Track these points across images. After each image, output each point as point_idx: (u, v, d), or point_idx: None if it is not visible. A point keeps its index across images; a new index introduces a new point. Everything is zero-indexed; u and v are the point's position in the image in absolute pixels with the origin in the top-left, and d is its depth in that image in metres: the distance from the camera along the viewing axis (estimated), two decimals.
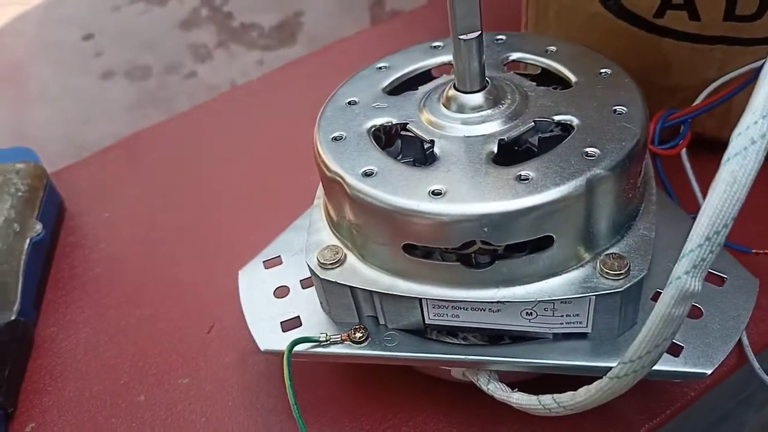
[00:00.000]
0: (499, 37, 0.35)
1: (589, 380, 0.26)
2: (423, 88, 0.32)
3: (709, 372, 0.27)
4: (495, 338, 0.30)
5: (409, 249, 0.27)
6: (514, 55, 0.33)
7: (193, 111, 0.55)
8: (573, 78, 0.31)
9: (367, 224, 0.28)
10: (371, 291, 0.29)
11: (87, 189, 0.48)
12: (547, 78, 0.32)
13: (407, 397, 0.34)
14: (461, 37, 0.27)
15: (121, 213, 0.46)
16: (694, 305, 0.29)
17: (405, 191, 0.26)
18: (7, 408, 0.35)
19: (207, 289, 0.40)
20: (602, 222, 0.27)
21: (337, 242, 0.30)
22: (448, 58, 0.34)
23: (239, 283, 0.35)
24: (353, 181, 0.27)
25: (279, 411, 0.35)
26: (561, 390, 0.27)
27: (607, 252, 0.27)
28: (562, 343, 0.29)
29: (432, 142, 0.29)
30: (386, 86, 0.33)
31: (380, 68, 0.34)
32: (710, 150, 0.32)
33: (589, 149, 0.26)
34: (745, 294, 0.29)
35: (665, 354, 0.27)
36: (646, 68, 0.39)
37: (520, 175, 0.26)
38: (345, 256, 0.30)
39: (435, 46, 0.35)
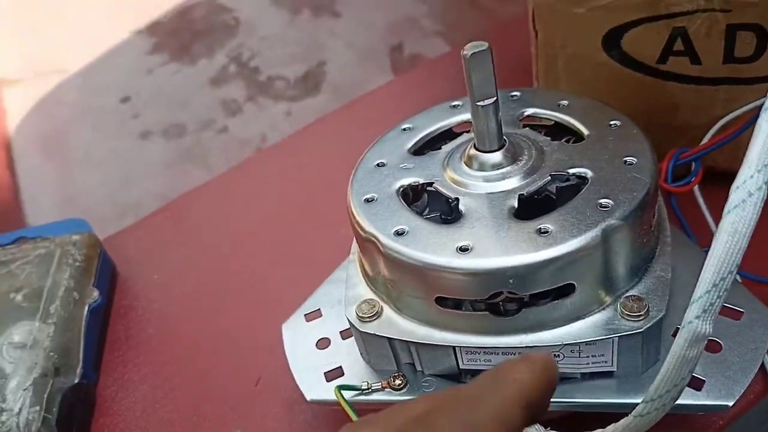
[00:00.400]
0: (514, 93, 0.38)
1: (617, 417, 0.28)
2: (446, 147, 0.35)
3: (730, 404, 0.28)
4: None
5: (440, 301, 0.30)
6: (529, 111, 0.36)
7: (230, 171, 0.59)
8: (585, 131, 0.33)
9: (401, 280, 0.30)
10: (408, 341, 0.31)
11: (136, 253, 0.51)
12: (560, 130, 0.35)
13: None
14: (479, 103, 0.30)
15: (169, 274, 0.49)
16: (713, 339, 0.31)
17: (435, 248, 0.29)
18: None
19: (253, 343, 0.42)
20: (619, 267, 0.29)
21: (373, 296, 0.33)
22: (467, 116, 0.36)
23: (283, 336, 0.37)
24: (387, 240, 0.30)
25: None
26: (589, 427, 0.28)
27: (627, 294, 0.29)
28: (590, 382, 0.30)
29: (456, 199, 0.31)
30: (411, 147, 0.36)
31: (404, 129, 0.37)
32: (722, 181, 0.33)
33: (603, 200, 0.29)
34: (762, 327, 0.30)
35: (688, 388, 0.29)
36: (654, 110, 0.41)
37: (540, 228, 0.28)
38: (381, 308, 0.32)
39: (454, 106, 0.38)
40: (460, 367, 0.32)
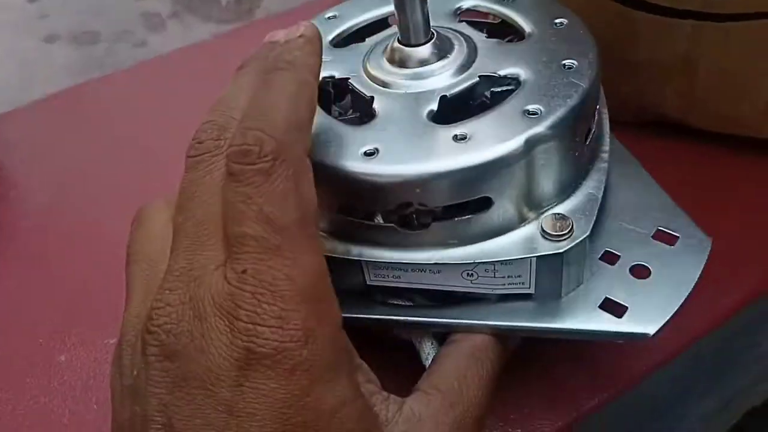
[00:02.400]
0: None
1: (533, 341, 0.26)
2: (370, 40, 0.31)
3: (651, 333, 0.26)
4: (440, 299, 0.30)
5: (345, 211, 0.27)
6: (467, 3, 0.32)
7: (138, 66, 0.54)
8: (527, 29, 0.30)
9: None
10: None
11: (19, 139, 0.47)
12: (501, 29, 0.31)
13: None
14: None
15: (58, 165, 0.45)
16: (643, 265, 0.28)
17: (338, 152, 0.25)
18: None
19: None
20: (544, 183, 0.26)
21: None
22: None
23: None
24: None
25: None
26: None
27: (551, 212, 0.27)
28: (506, 304, 0.28)
29: (372, 98, 0.27)
30: (333, 38, 0.32)
31: (329, 18, 0.33)
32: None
33: (531, 107, 0.25)
34: (696, 254, 0.28)
35: (608, 315, 0.27)
36: (614, 42, 0.37)
37: (457, 134, 0.25)
38: None
39: None
40: (368, 284, 0.29)
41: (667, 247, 0.29)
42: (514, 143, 0.24)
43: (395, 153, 0.25)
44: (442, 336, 0.29)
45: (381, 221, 0.27)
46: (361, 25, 0.32)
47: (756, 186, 0.37)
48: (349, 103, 0.30)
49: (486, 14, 0.32)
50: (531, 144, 0.24)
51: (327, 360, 0.20)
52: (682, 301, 0.27)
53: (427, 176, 0.24)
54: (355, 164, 0.25)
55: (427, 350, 0.29)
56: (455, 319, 0.28)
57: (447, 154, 0.24)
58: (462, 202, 0.25)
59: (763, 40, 0.34)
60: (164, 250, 0.23)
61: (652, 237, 0.29)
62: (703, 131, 0.39)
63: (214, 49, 0.57)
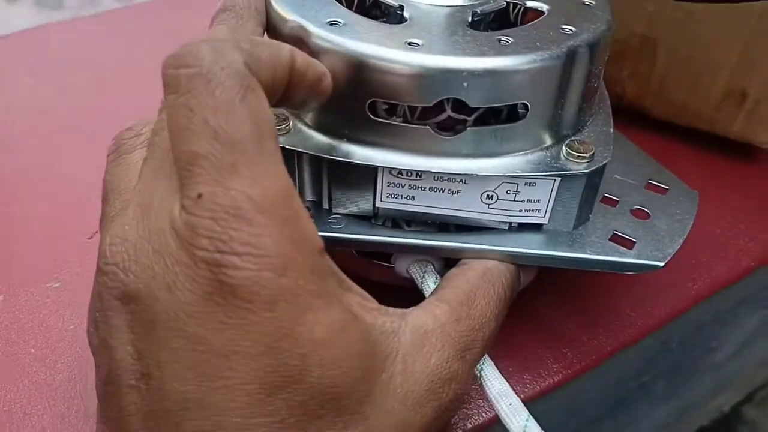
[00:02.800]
0: None
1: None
2: None
3: (662, 264, 0.27)
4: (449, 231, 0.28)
5: (373, 108, 0.25)
6: None
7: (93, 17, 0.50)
8: None
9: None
10: (323, 159, 0.26)
11: None
12: None
13: None
14: None
15: (10, 100, 0.40)
16: (641, 209, 0.29)
17: (378, 40, 0.24)
18: None
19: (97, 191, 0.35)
20: (572, 102, 0.26)
21: (283, 111, 0.27)
22: None
23: None
24: (317, 29, 0.25)
25: None
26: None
27: (572, 138, 0.27)
28: (518, 234, 0.28)
29: (401, 7, 0.27)
30: None
31: None
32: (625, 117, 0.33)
33: (565, 26, 0.26)
34: (688, 201, 0.30)
35: (619, 247, 0.27)
36: None
37: (500, 38, 0.25)
38: (294, 124, 0.27)
39: None
40: (377, 205, 0.27)
41: (659, 195, 0.30)
42: (557, 50, 0.24)
43: (441, 47, 0.24)
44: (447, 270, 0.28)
45: (411, 122, 0.25)
46: None
47: (703, 180, 0.40)
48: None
49: None
50: (571, 54, 0.25)
51: (312, 287, 0.18)
52: (683, 238, 0.28)
53: (476, 70, 0.23)
54: (400, 53, 0.24)
55: (431, 285, 0.27)
56: (467, 243, 0.27)
57: (494, 51, 0.24)
58: (501, 105, 0.25)
59: (724, 25, 0.37)
60: None
61: (644, 188, 0.31)
62: (659, 121, 0.42)
63: (179, 3, 0.54)
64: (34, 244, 0.34)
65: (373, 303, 0.22)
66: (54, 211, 0.35)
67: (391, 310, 0.22)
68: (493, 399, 0.23)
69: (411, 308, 0.23)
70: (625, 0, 0.38)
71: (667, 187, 0.30)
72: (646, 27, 0.39)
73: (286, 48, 0.22)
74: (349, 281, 0.21)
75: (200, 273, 0.17)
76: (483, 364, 0.24)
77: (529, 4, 0.28)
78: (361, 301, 0.21)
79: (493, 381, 0.24)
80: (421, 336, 0.22)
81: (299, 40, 0.25)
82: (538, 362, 0.31)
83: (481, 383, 0.24)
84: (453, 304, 0.23)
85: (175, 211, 0.18)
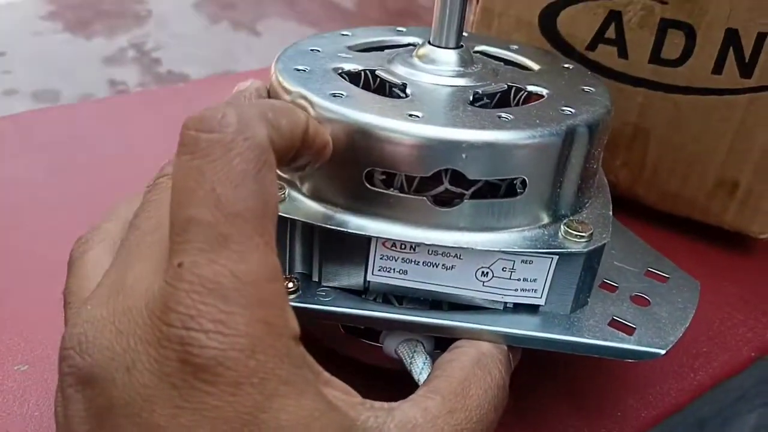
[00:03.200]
0: (465, 33, 0.35)
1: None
2: (389, 50, 0.31)
3: (663, 352, 0.25)
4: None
5: (370, 178, 0.25)
6: (479, 47, 0.33)
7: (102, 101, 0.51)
8: (537, 67, 0.32)
9: None
10: (315, 228, 0.26)
11: None
12: (512, 64, 0.33)
13: None
14: None
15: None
16: (641, 295, 0.28)
17: (379, 111, 0.24)
18: None
19: None
20: (571, 182, 0.26)
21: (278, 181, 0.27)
22: (413, 39, 0.33)
23: None
24: (320, 100, 0.25)
25: None
26: None
27: (571, 218, 0.26)
28: (513, 315, 0.27)
29: (404, 84, 0.27)
30: (351, 45, 0.32)
31: (343, 35, 0.33)
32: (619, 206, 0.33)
33: (565, 108, 0.26)
34: (688, 291, 0.29)
35: (619, 333, 0.26)
36: None
37: (500, 115, 0.25)
38: (289, 193, 0.26)
39: (399, 30, 0.35)
40: (368, 279, 0.26)
41: (660, 283, 0.29)
42: (556, 128, 0.24)
43: (441, 119, 0.24)
44: (437, 351, 0.27)
45: (408, 192, 0.25)
46: (376, 42, 0.33)
47: (698, 270, 0.39)
48: None
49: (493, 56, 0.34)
50: (570, 132, 0.25)
51: (282, 373, 0.17)
52: (686, 326, 0.27)
53: (475, 142, 0.23)
54: (400, 123, 0.24)
55: (420, 366, 0.26)
56: (461, 322, 0.26)
57: (494, 126, 0.24)
58: (499, 179, 0.25)
59: (712, 117, 0.37)
60: None
61: (644, 275, 0.30)
62: (652, 210, 0.42)
63: (183, 91, 0.55)
64: (5, 324, 0.32)
65: (357, 397, 0.20)
66: (29, 292, 0.34)
67: (377, 404, 0.20)
68: None
69: (399, 402, 0.21)
70: (617, 90, 0.39)
71: (667, 276, 0.30)
72: (637, 117, 0.40)
73: (302, 115, 0.21)
74: (328, 375, 0.20)
75: (163, 352, 0.16)
76: None
77: (531, 88, 0.28)
78: (341, 395, 0.20)
79: None
80: (410, 431, 0.20)
81: (302, 110, 0.25)
82: None
83: None
84: (446, 394, 0.22)
85: (155, 286, 0.17)
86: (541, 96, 0.28)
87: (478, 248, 0.25)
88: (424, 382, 0.24)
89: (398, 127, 0.24)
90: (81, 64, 1.03)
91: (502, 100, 0.28)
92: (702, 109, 0.37)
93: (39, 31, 1.11)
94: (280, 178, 0.27)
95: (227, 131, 0.17)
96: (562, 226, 0.26)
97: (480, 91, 0.27)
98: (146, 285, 0.17)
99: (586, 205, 0.28)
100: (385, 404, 0.21)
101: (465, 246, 0.25)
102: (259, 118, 0.19)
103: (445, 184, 0.25)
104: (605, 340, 0.26)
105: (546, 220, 0.26)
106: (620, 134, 0.41)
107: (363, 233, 0.25)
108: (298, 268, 0.27)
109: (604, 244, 0.26)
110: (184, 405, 0.16)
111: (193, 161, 0.17)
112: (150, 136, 0.48)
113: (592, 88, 0.29)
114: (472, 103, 0.26)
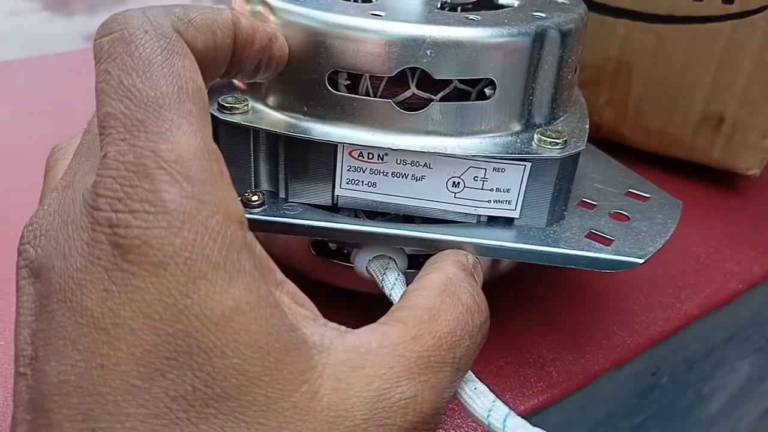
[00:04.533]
0: None
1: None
2: None
3: (641, 261, 0.25)
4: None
5: (333, 82, 0.24)
6: None
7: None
8: None
9: (290, 52, 0.24)
10: (279, 139, 0.25)
11: None
12: None
13: None
14: None
15: None
16: (619, 212, 0.27)
17: (341, 10, 0.23)
18: None
19: None
20: (543, 89, 0.25)
21: (243, 93, 0.26)
22: None
23: None
24: (279, 2, 0.24)
25: None
26: None
27: (545, 127, 0.26)
28: (487, 229, 0.26)
29: None
30: None
31: None
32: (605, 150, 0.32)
33: (537, 13, 0.25)
34: (670, 209, 0.28)
35: (596, 243, 0.25)
36: None
37: (468, 16, 0.24)
38: (253, 105, 0.26)
39: None
40: (336, 194, 0.25)
41: (640, 202, 0.29)
42: (525, 27, 0.24)
43: (403, 17, 0.23)
44: (411, 270, 0.26)
45: (375, 97, 0.24)
46: None
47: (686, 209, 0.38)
48: None
49: None
50: (540, 34, 0.24)
51: (213, 255, 0.16)
52: (666, 239, 0.26)
53: (440, 39, 0.22)
54: (361, 20, 0.23)
55: (392, 282, 0.25)
56: (435, 234, 0.25)
57: (461, 24, 0.23)
58: (465, 79, 0.24)
59: (695, 47, 0.36)
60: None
61: (624, 195, 0.29)
62: (638, 151, 0.41)
63: None
64: None
65: (307, 311, 0.19)
66: None
67: (330, 324, 0.19)
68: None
69: (358, 329, 0.19)
70: (598, 23, 0.38)
71: (648, 195, 0.29)
72: (619, 51, 0.39)
73: (226, 11, 0.21)
74: (283, 278, 0.19)
75: (94, 235, 0.16)
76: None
77: (502, 1, 0.27)
78: (290, 301, 0.18)
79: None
80: (359, 355, 0.18)
81: (262, 17, 0.24)
82: (522, 381, 0.28)
83: None
84: (409, 322, 0.19)
85: (89, 179, 0.17)
86: (512, 6, 0.27)
87: (447, 152, 0.24)
88: (387, 313, 0.21)
89: (359, 24, 0.23)
90: (60, 43, 1.02)
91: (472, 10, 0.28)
92: (684, 39, 0.36)
93: (15, 10, 1.09)
94: (243, 91, 0.26)
95: (127, 29, 0.18)
96: (535, 134, 0.25)
97: (449, 0, 0.26)
98: (88, 179, 0.17)
99: (562, 118, 0.27)
100: (341, 327, 0.19)
101: (433, 150, 0.24)
102: (163, 14, 0.19)
103: (412, 89, 0.24)
104: (582, 250, 0.25)
105: (518, 127, 0.25)
106: (603, 71, 0.40)
107: (328, 140, 0.24)
108: (265, 185, 0.26)
109: (579, 152, 0.25)
110: (112, 288, 0.15)
111: (101, 65, 0.18)
112: None
113: (565, 2, 0.28)
114: (440, 9, 0.25)
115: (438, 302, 0.20)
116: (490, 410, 0.20)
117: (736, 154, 0.38)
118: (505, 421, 0.20)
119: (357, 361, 0.18)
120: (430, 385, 0.18)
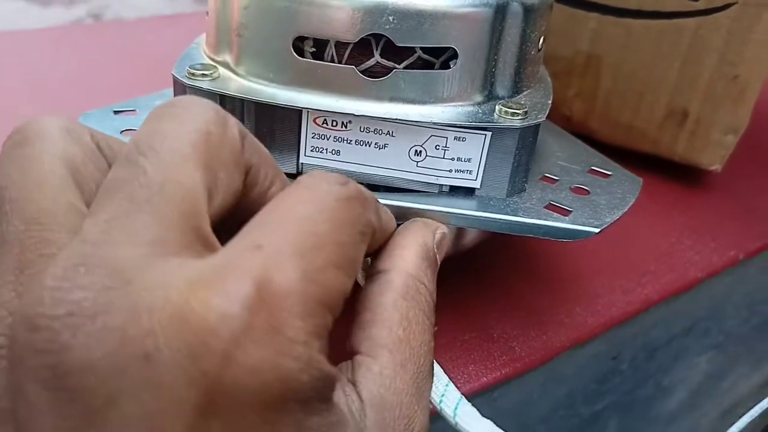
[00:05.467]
0: None
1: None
2: None
3: (596, 231, 0.25)
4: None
5: (298, 48, 0.24)
6: None
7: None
8: None
9: (256, 19, 0.25)
10: (245, 106, 0.25)
11: None
12: None
13: None
14: None
15: None
16: (580, 187, 0.28)
17: None
18: None
19: None
20: (506, 62, 0.26)
21: (211, 63, 0.27)
22: None
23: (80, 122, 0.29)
24: None
25: None
26: None
27: (507, 99, 0.26)
28: (449, 198, 0.26)
29: None
30: None
31: None
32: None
33: None
34: (630, 185, 0.29)
35: (554, 213, 0.26)
36: None
37: None
38: (220, 72, 0.26)
39: None
40: (300, 161, 0.26)
41: (601, 179, 0.29)
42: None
43: None
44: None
45: (338, 63, 0.24)
46: None
47: (649, 202, 0.39)
48: None
49: None
50: (502, 6, 0.25)
51: None
52: (624, 211, 0.27)
53: (402, 6, 0.23)
54: None
55: None
56: (400, 201, 0.25)
57: None
58: (429, 48, 0.24)
59: (662, 42, 0.37)
60: (64, 207, 0.16)
61: (587, 172, 0.30)
62: (606, 145, 0.42)
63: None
64: None
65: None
66: None
67: (348, 386, 0.17)
68: None
69: (356, 374, 0.18)
70: (570, 16, 0.39)
71: (610, 173, 0.30)
72: (590, 44, 0.40)
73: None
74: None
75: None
76: None
77: None
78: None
79: None
80: (381, 410, 0.18)
81: None
82: (485, 355, 0.29)
83: None
84: (390, 346, 0.19)
85: None
86: None
87: (409, 119, 0.24)
88: (357, 322, 0.20)
89: None
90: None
91: None
92: (652, 34, 0.38)
93: None
94: (213, 60, 0.27)
95: None
96: (497, 106, 0.25)
97: None
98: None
99: (525, 92, 0.27)
100: (350, 384, 0.18)
101: (395, 117, 0.24)
102: None
103: (376, 57, 0.24)
104: (540, 219, 0.25)
105: (481, 98, 0.26)
106: (573, 63, 0.41)
107: (292, 105, 0.24)
108: None
109: (539, 123, 0.25)
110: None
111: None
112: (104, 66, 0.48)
113: None
114: None
115: (406, 311, 0.20)
116: (442, 395, 0.20)
117: (699, 149, 0.39)
118: (456, 408, 0.20)
119: (382, 420, 0.17)
120: (423, 396, 0.19)
